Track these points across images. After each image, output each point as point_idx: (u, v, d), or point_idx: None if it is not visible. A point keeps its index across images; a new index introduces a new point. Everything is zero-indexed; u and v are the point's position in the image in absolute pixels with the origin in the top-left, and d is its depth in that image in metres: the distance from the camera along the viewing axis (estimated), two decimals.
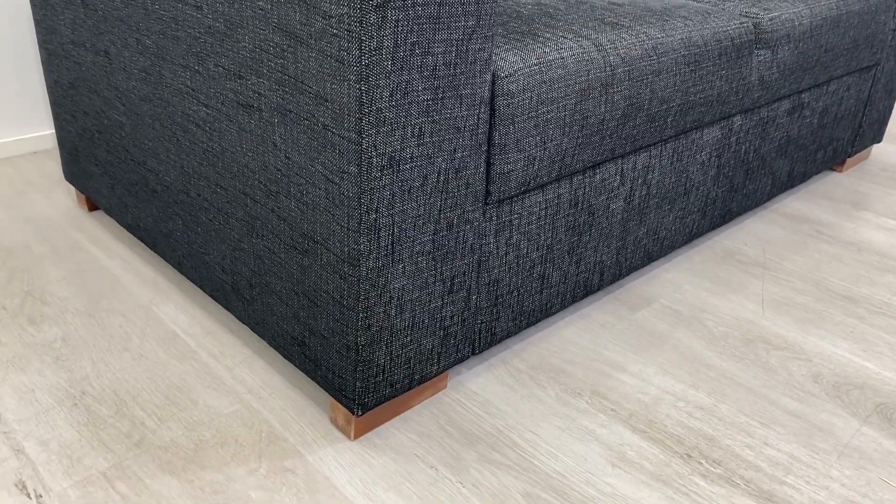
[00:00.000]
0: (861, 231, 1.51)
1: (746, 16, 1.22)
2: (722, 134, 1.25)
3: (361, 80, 0.70)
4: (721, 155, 1.28)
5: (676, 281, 1.30)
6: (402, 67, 0.72)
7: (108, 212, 1.30)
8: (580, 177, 1.02)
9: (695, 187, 1.25)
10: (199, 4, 0.86)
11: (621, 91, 0.97)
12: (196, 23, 0.88)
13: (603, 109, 0.96)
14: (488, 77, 0.81)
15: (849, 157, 1.74)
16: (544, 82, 0.87)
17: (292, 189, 0.84)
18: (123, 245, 1.32)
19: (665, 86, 1.04)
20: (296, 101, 0.78)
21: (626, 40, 0.98)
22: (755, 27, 1.21)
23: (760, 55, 1.23)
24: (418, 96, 0.75)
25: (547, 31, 0.95)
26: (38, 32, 1.29)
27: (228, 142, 0.91)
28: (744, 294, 1.27)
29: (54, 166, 1.62)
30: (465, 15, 0.75)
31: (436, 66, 0.75)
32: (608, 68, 0.95)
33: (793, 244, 1.45)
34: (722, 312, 1.22)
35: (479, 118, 0.82)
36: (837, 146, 1.65)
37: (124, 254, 1.29)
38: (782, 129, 1.41)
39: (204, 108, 0.92)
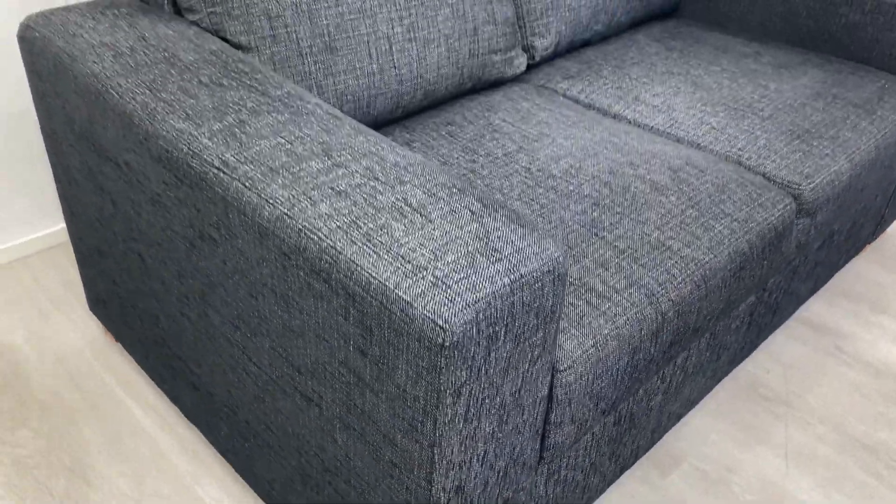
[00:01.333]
0: (879, 346, 1.54)
1: (788, 188, 1.20)
2: (756, 298, 1.25)
3: (434, 446, 0.71)
4: (753, 313, 1.28)
5: (704, 430, 1.33)
6: (472, 420, 0.73)
7: (141, 365, 1.30)
8: (623, 404, 1.03)
9: (726, 349, 1.26)
10: (254, 294, 0.84)
11: (669, 330, 0.97)
12: (249, 304, 0.86)
13: (652, 352, 0.96)
14: (549, 379, 0.81)
15: (869, 244, 1.74)
16: (600, 359, 0.87)
17: (352, 480, 0.85)
18: (158, 395, 1.32)
19: (710, 305, 1.04)
20: (361, 426, 0.78)
21: (676, 278, 0.97)
22: (796, 200, 1.20)
23: (800, 223, 1.21)
24: (485, 429, 0.75)
25: (599, 278, 0.94)
26: (58, 187, 1.24)
27: (282, 406, 0.91)
28: (768, 445, 1.31)
29: (71, 269, 1.60)
30: (531, 348, 0.75)
31: (503, 401, 0.75)
32: (659, 316, 0.94)
33: (814, 369, 1.48)
34: (748, 472, 1.26)
35: (537, 415, 0.82)
36: (860, 242, 1.65)
37: (159, 406, 1.30)
38: (811, 263, 1.41)
39: (254, 366, 0.92)
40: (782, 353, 1.51)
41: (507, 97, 1.38)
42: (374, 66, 1.18)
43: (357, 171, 0.79)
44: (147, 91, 0.91)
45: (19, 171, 1.55)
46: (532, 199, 1.09)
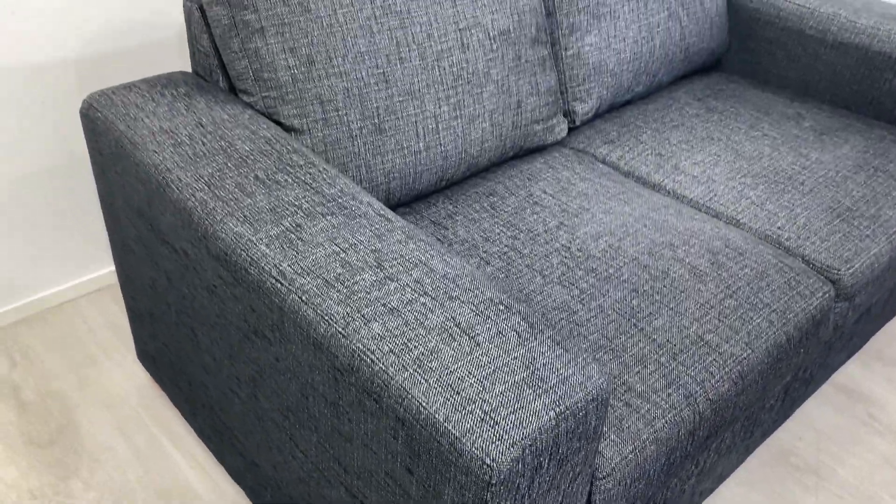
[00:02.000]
0: None
1: (827, 273, 1.21)
2: (791, 377, 1.26)
3: None
4: (787, 389, 1.29)
5: (734, 501, 1.34)
6: None
7: (188, 420, 1.35)
8: (658, 494, 1.05)
9: (760, 425, 1.28)
10: (305, 394, 0.87)
11: (706, 427, 0.99)
12: (299, 401, 0.89)
13: (688, 448, 0.98)
14: (588, 488, 0.84)
15: None
16: (638, 464, 0.90)
17: None
18: (205, 452, 1.37)
19: (746, 398, 1.05)
20: None
21: (714, 376, 0.99)
22: (835, 286, 1.21)
23: (838, 308, 1.22)
24: None
25: (639, 376, 0.96)
26: (112, 250, 1.29)
27: (327, 493, 0.94)
28: None
29: (119, 313, 1.65)
30: (573, 467, 0.77)
31: None
32: (696, 416, 0.96)
33: (847, 437, 1.48)
34: None
35: None
36: None
37: (206, 463, 1.34)
38: (847, 336, 1.42)
39: (301, 454, 0.95)
40: (815, 419, 1.52)
41: (547, 164, 1.40)
42: (421, 144, 1.21)
43: (408, 285, 0.82)
44: (205, 187, 0.95)
45: (70, 214, 1.60)
46: (572, 283, 1.11)
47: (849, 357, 1.55)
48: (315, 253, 0.85)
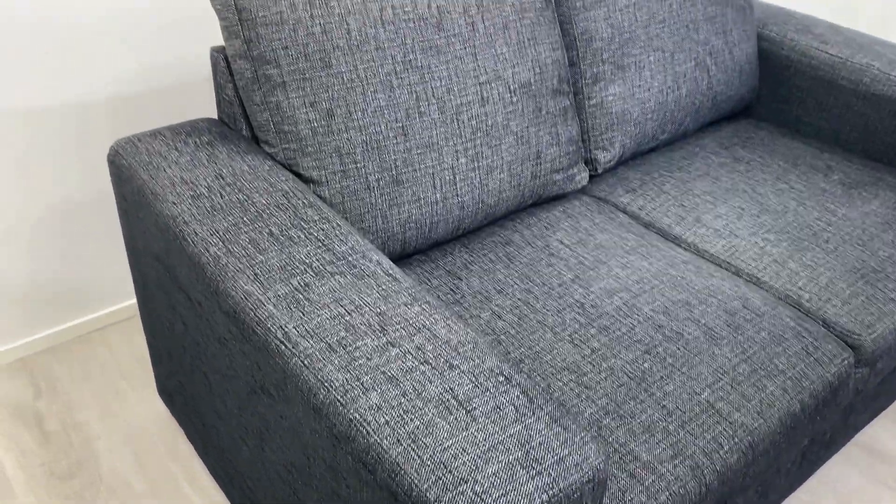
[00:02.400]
0: None
1: (847, 338, 1.18)
2: (808, 441, 1.24)
3: None
4: (805, 453, 1.27)
5: None
6: None
7: (202, 458, 1.37)
8: None
9: (775, 490, 1.25)
10: (307, 455, 0.88)
11: (712, 499, 0.98)
12: (302, 459, 0.90)
13: None
14: None
15: None
16: None
17: None
18: (219, 491, 1.39)
19: (756, 468, 1.03)
20: None
21: (723, 447, 0.98)
22: (855, 352, 1.18)
23: (859, 373, 1.19)
24: None
25: (645, 445, 0.95)
26: (135, 287, 1.32)
27: None
28: None
29: (144, 345, 1.69)
30: None
31: None
32: (703, 488, 0.95)
33: (870, 501, 1.44)
34: None
35: None
36: None
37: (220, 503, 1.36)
38: (869, 398, 1.38)
39: None
40: (837, 481, 1.48)
41: (566, 213, 1.40)
42: (438, 195, 1.22)
43: (409, 352, 0.82)
44: (220, 242, 0.97)
45: (99, 246, 1.65)
46: (583, 342, 1.11)
47: (873, 417, 1.51)
48: (320, 315, 0.86)
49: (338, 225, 1.02)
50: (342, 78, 1.13)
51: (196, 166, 1.11)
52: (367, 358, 0.81)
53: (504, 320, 1.15)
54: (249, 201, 1.05)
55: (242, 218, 1.01)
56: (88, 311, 1.70)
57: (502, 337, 1.12)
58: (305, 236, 0.99)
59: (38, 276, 1.58)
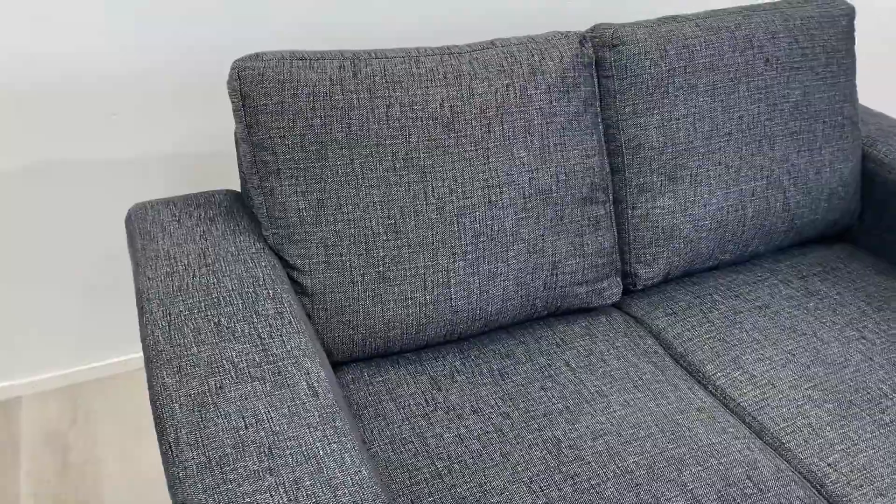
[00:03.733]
0: None
1: None
2: None
3: None
4: None
5: None
6: None
7: None
8: None
9: None
10: None
11: None
12: None
13: None
14: None
15: None
16: None
17: None
18: None
19: None
20: None
21: None
22: None
23: None
24: None
25: None
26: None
27: None
28: None
29: None
30: None
31: None
32: None
33: None
34: None
35: None
36: None
37: None
38: None
39: None
40: None
41: (587, 330, 1.29)
42: (428, 297, 1.16)
43: (283, 485, 0.77)
44: (167, 326, 0.97)
45: (128, 288, 1.73)
46: (542, 489, 1.00)
47: None
48: (217, 424, 0.84)
49: (289, 322, 1.00)
50: (337, 171, 1.11)
51: (187, 241, 1.13)
52: (238, 484, 0.77)
53: (466, 446, 1.06)
54: (217, 285, 1.05)
55: (201, 303, 1.01)
56: (117, 354, 1.78)
57: (455, 465, 1.03)
58: (249, 332, 0.97)
59: (92, 311, 1.69)
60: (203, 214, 1.20)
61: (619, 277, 1.36)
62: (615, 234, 1.33)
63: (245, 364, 0.92)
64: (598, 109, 1.30)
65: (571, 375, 1.19)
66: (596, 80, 1.30)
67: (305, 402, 0.87)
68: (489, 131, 1.18)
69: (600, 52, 1.30)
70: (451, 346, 1.26)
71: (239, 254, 1.11)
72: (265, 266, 1.10)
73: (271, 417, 0.85)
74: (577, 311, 1.35)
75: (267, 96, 1.10)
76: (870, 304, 1.37)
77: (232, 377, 0.90)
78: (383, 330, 1.16)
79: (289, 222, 1.12)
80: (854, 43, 1.48)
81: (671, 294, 1.41)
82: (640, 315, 1.37)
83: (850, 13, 1.47)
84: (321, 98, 1.11)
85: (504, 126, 1.19)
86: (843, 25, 1.45)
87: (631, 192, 1.35)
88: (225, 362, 0.92)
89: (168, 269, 1.07)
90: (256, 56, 1.11)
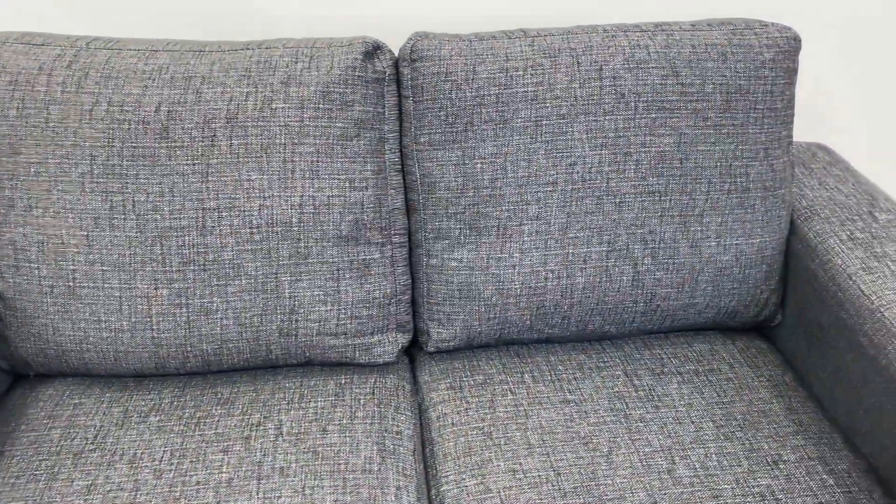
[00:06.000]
0: None
1: None
2: None
3: None
4: None
5: None
6: None
7: None
8: None
9: None
10: None
11: None
12: None
13: None
14: None
15: None
16: None
17: None
18: None
19: None
20: None
21: None
22: None
23: None
24: None
25: None
26: None
27: None
28: None
29: None
30: None
31: None
32: None
33: None
34: None
35: None
36: None
37: None
38: None
39: None
40: None
41: (338, 390, 1.09)
42: (125, 323, 1.03)
43: None
44: None
45: None
46: None
47: None
48: None
49: None
50: (30, 169, 1.01)
51: None
52: None
53: (86, 500, 0.93)
54: None
55: None
56: None
57: None
58: None
59: None
60: None
61: (402, 334, 1.15)
62: (397, 282, 1.12)
63: None
64: (386, 135, 1.08)
65: (269, 444, 1.01)
66: (394, 99, 1.08)
67: None
68: (213, 145, 1.01)
69: (403, 67, 1.08)
70: (177, 379, 1.12)
71: None
72: None
73: None
74: (352, 366, 1.15)
75: None
76: (719, 428, 1.05)
77: None
78: (76, 350, 1.05)
79: None
80: (790, 83, 1.12)
81: (476, 364, 1.17)
82: (423, 381, 1.15)
83: (787, 45, 1.11)
84: (23, 87, 1.01)
85: (233, 141, 1.02)
86: (766, 60, 1.10)
87: (427, 236, 1.12)
88: None
89: None
90: None
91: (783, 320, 1.23)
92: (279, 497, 0.94)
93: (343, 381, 1.12)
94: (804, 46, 1.20)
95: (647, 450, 1.01)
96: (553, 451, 1.01)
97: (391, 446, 1.03)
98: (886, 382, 0.97)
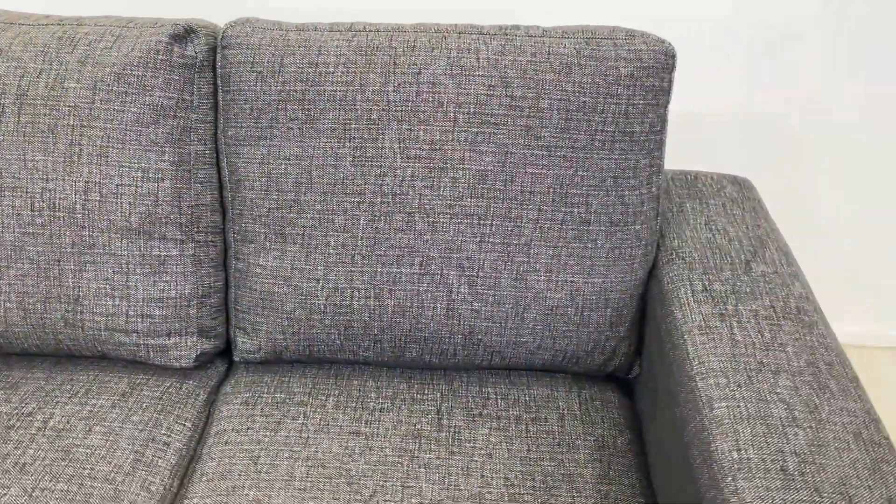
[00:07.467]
0: None
1: None
2: None
3: None
4: None
5: None
6: None
7: None
8: None
9: None
10: None
11: None
12: None
13: None
14: None
15: None
16: None
17: None
18: None
19: None
20: None
21: None
22: None
23: None
24: None
25: None
26: None
27: None
28: None
29: None
30: None
31: None
32: None
33: None
34: None
35: None
36: None
37: None
38: None
39: None
40: None
41: (125, 390, 1.04)
42: None
43: None
44: None
45: None
46: None
47: None
48: None
49: None
50: None
51: None
52: None
53: None
54: None
55: None
56: None
57: None
58: None
59: None
60: None
61: (206, 339, 1.07)
62: (200, 283, 1.05)
63: None
64: (193, 124, 1.01)
65: (26, 437, 0.96)
66: (210, 87, 1.01)
67: None
68: (0, 122, 0.97)
69: (217, 54, 1.01)
70: None
71: None
72: None
73: None
74: (154, 367, 1.09)
75: None
76: (508, 487, 0.92)
77: None
78: None
79: None
80: (655, 104, 0.98)
81: (285, 380, 1.08)
82: (223, 393, 1.07)
83: (653, 60, 0.97)
84: None
85: (21, 119, 0.97)
86: (622, 75, 0.96)
87: (236, 238, 1.05)
88: None
89: None
90: None
91: (640, 374, 1.09)
92: (3, 497, 0.89)
93: (138, 381, 1.06)
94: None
95: (413, 500, 0.91)
96: (312, 487, 0.92)
97: (150, 457, 0.96)
98: (683, 469, 0.83)
